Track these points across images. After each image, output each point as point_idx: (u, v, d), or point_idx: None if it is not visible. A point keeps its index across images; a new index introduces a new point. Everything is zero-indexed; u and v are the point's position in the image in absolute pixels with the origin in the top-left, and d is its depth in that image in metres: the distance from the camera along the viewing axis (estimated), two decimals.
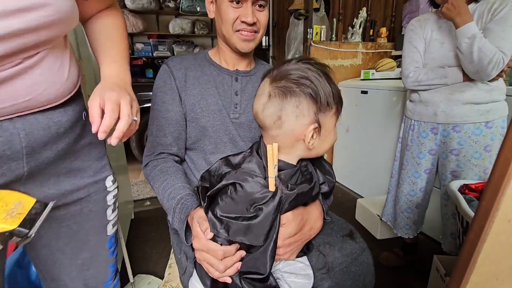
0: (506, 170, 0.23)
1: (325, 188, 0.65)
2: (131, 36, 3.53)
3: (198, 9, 3.36)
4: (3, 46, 0.37)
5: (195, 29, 3.61)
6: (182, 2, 3.29)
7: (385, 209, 1.47)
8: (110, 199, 0.66)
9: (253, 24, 0.72)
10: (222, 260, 0.53)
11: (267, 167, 0.53)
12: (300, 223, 0.58)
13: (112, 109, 0.44)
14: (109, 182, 0.64)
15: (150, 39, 3.56)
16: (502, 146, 0.24)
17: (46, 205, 0.33)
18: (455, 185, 1.04)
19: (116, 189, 0.67)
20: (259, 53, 4.60)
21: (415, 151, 1.26)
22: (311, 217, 0.62)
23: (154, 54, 3.57)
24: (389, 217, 1.45)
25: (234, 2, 0.70)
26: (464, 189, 1.02)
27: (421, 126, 1.23)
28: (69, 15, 0.45)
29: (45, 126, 0.47)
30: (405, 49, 1.23)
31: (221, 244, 0.53)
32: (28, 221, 0.30)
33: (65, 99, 0.50)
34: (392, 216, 1.44)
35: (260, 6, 0.72)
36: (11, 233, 0.29)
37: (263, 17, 0.74)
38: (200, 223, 0.55)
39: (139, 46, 3.54)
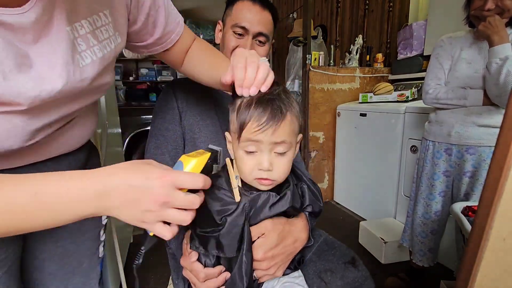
0: (496, 188, 0.23)
1: (309, 209, 0.64)
2: (136, 61, 3.67)
3: (201, 36, 3.53)
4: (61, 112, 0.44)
5: None
6: None
7: (405, 233, 1.41)
8: (104, 218, 0.66)
9: None
10: (205, 282, 0.54)
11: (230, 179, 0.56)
12: (281, 234, 0.57)
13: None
14: None
15: (155, 65, 3.69)
16: (491, 165, 0.25)
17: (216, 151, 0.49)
18: (458, 207, 1.03)
19: None
20: None
21: (429, 171, 1.25)
22: (294, 228, 0.60)
23: (158, 79, 3.68)
24: (409, 242, 1.39)
25: (237, 34, 0.78)
26: (467, 211, 1.01)
27: (435, 147, 1.22)
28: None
29: (67, 163, 0.54)
30: (431, 64, 1.22)
31: (206, 264, 0.55)
32: (214, 154, 0.47)
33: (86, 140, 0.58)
34: (411, 240, 1.38)
35: (260, 42, 0.80)
36: (213, 158, 0.45)
37: (261, 52, 0.80)
38: (188, 241, 0.58)
39: (143, 71, 3.67)
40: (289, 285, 0.60)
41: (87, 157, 0.62)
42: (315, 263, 0.66)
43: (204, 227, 0.54)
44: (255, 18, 0.77)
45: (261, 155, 0.50)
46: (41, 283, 0.59)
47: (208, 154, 0.44)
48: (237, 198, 0.53)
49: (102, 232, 0.68)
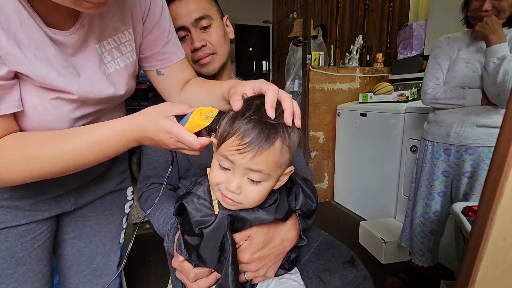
0: (496, 188, 0.23)
1: (299, 212, 0.62)
2: None
3: None
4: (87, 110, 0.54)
5: None
6: None
7: (403, 233, 1.41)
8: (127, 207, 0.77)
9: (202, 47, 0.74)
10: (195, 282, 0.54)
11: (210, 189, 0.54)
12: (267, 235, 0.56)
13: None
14: (129, 192, 0.77)
15: None
16: (491, 165, 0.25)
17: (224, 112, 0.49)
18: (458, 207, 1.03)
19: (132, 200, 0.79)
20: (260, 77, 4.75)
21: (428, 172, 1.25)
22: (282, 229, 0.58)
23: None
24: (407, 242, 1.39)
25: (181, 38, 0.72)
26: (467, 211, 1.01)
27: (434, 147, 1.22)
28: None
29: None
30: (429, 65, 1.23)
31: (195, 265, 0.54)
32: (216, 121, 0.47)
33: None
34: (409, 241, 1.38)
35: (204, 28, 0.74)
36: (209, 128, 0.47)
37: (211, 37, 0.75)
38: (176, 242, 0.58)
39: (143, 71, 3.66)
40: (284, 281, 0.60)
41: None
42: (314, 262, 0.66)
43: (188, 234, 0.54)
44: (180, 10, 0.71)
45: (232, 175, 0.47)
46: (70, 258, 0.70)
47: (210, 121, 0.48)
48: (216, 210, 0.52)
49: (124, 220, 0.76)
